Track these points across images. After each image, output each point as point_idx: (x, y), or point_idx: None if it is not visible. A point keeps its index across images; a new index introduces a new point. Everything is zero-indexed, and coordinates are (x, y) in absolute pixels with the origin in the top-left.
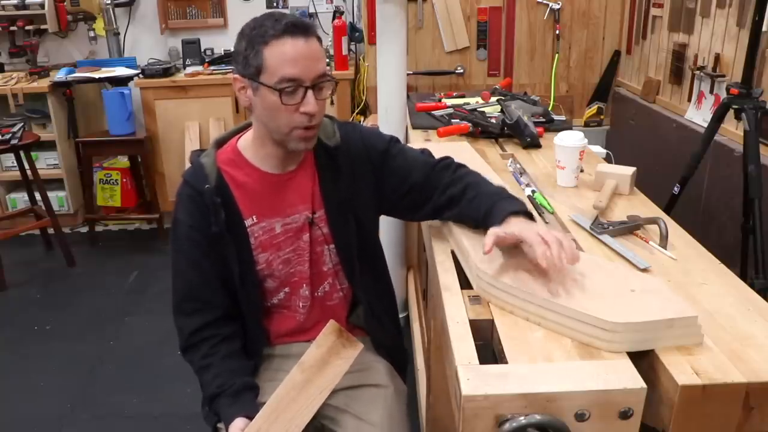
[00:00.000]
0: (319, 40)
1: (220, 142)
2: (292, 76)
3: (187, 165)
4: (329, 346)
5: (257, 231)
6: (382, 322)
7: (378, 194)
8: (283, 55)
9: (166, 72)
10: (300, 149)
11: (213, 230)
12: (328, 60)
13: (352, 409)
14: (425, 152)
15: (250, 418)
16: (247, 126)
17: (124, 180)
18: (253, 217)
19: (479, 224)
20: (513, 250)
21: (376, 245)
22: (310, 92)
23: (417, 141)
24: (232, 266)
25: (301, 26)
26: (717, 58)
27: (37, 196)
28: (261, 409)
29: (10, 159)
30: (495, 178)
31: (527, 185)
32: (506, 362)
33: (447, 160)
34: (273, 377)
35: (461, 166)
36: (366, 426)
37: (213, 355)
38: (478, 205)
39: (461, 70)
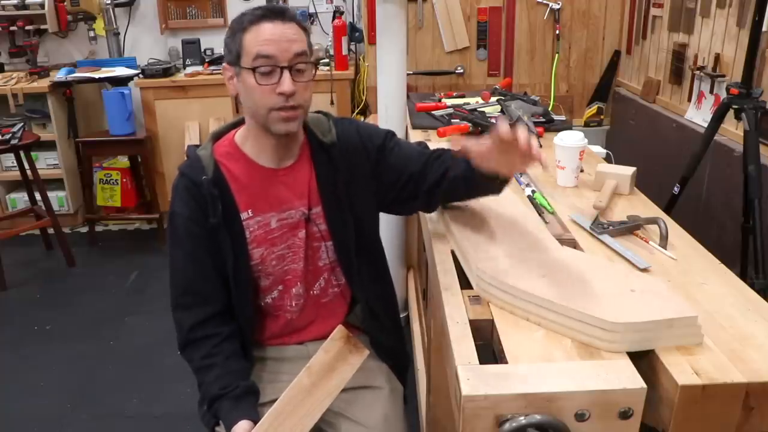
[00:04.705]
0: (301, 26)
1: (217, 136)
2: (266, 53)
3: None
4: (337, 351)
5: (253, 225)
6: (382, 323)
7: (377, 189)
8: (259, 36)
9: (166, 72)
10: (281, 131)
11: (211, 222)
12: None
13: (348, 412)
14: (422, 144)
15: (253, 421)
16: (243, 120)
17: (124, 180)
18: (249, 210)
19: (468, 172)
20: (513, 249)
21: (375, 244)
22: (286, 72)
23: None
24: (227, 260)
25: (278, 10)
26: (717, 58)
27: (37, 196)
28: (267, 412)
29: (10, 159)
30: None
31: (527, 185)
32: (506, 362)
33: (443, 150)
34: (270, 379)
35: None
36: (362, 429)
37: (215, 355)
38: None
39: (461, 70)
